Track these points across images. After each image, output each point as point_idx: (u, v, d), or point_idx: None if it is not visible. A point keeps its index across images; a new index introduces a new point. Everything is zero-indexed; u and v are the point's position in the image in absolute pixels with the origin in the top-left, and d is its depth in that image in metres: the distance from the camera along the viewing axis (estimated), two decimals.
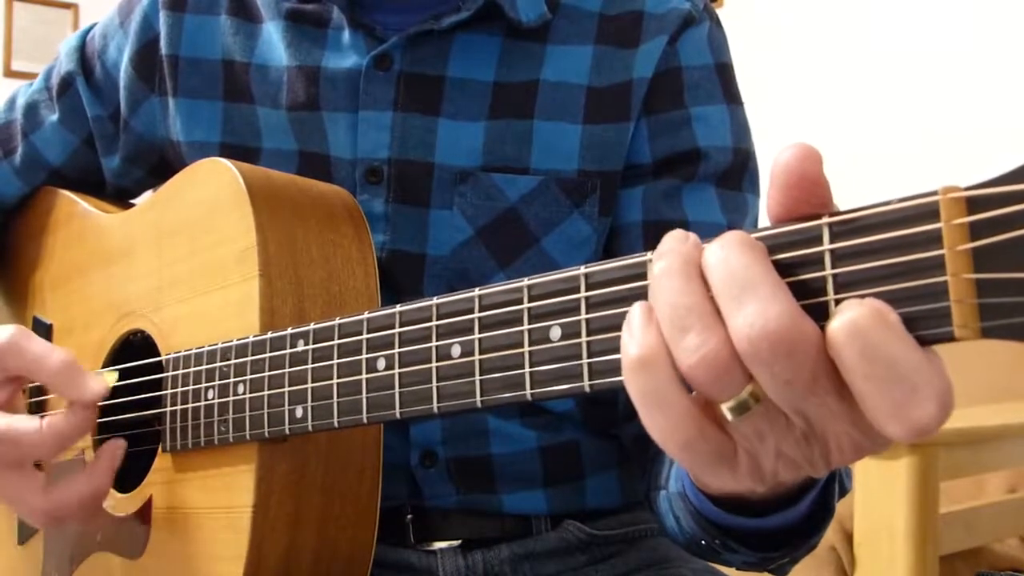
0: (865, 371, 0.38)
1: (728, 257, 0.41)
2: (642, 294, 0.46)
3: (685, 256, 0.43)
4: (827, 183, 0.41)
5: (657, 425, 0.43)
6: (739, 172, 0.86)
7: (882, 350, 0.38)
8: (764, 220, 0.84)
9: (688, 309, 0.42)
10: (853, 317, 0.38)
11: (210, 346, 0.71)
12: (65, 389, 0.71)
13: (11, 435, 0.70)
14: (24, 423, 0.71)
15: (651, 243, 0.83)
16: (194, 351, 0.72)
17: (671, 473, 0.70)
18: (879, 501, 1.39)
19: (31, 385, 0.92)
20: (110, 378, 0.74)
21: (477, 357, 0.52)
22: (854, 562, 1.44)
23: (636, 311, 0.44)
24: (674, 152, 0.84)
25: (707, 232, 0.87)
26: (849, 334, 0.38)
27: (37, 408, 0.89)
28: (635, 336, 0.43)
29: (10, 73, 4.02)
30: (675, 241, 0.44)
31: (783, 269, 0.41)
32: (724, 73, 0.87)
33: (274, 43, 0.87)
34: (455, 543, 0.83)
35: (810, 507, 0.59)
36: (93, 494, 0.73)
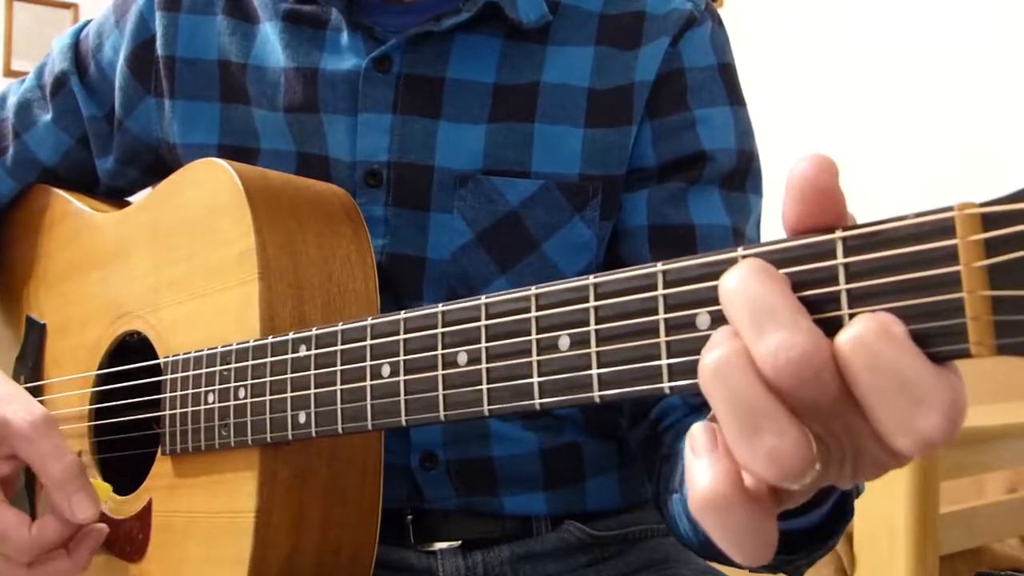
0: (871, 384, 0.38)
1: (748, 285, 0.40)
2: (652, 307, 0.45)
3: (739, 347, 0.40)
4: (842, 195, 0.41)
5: (723, 527, 0.41)
6: (743, 174, 0.85)
7: (886, 362, 0.37)
8: (768, 223, 0.84)
9: (752, 405, 0.39)
10: (858, 331, 0.38)
11: (210, 349, 0.70)
12: (60, 502, 0.71)
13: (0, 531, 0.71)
14: (15, 523, 0.71)
15: (657, 247, 0.83)
16: (193, 354, 0.72)
17: (684, 477, 0.70)
18: (879, 501, 1.39)
19: (29, 368, 0.92)
20: (103, 493, 0.75)
21: (484, 366, 0.52)
22: (854, 562, 1.44)
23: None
24: (679, 155, 0.84)
25: (712, 234, 0.86)
26: (854, 348, 0.38)
27: (35, 392, 0.88)
28: (697, 434, 0.43)
29: (10, 73, 3.99)
30: (727, 334, 0.41)
31: (796, 283, 0.41)
32: (727, 73, 0.87)
33: (271, 44, 0.87)
34: (455, 544, 0.83)
35: (830, 509, 0.59)
36: (73, 573, 0.74)
